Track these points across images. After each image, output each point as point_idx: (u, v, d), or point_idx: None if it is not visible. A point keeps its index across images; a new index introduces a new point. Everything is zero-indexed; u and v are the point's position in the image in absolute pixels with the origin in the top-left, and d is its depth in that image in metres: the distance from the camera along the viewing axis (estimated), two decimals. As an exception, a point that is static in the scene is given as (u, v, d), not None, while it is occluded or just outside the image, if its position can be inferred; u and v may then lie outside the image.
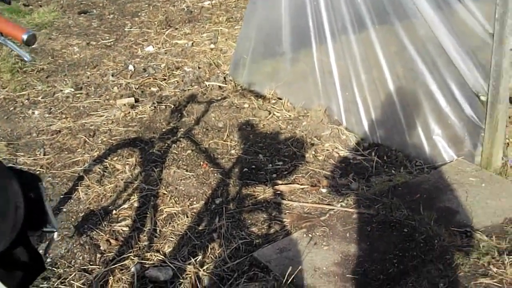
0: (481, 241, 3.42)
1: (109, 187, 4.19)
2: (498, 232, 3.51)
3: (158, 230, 3.73)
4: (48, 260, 3.43)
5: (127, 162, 4.51)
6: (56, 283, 3.28)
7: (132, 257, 3.47)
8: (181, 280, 3.27)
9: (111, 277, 3.31)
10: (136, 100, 5.66)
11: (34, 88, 5.99)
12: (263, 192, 4.09)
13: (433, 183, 4.05)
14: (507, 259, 3.22)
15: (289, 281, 3.13)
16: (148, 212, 3.90)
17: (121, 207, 3.98)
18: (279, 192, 4.10)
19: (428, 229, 3.51)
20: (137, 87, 5.99)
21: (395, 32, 4.48)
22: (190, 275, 3.29)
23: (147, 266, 3.41)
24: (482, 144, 4.25)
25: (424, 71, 4.38)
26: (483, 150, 4.26)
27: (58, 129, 5.09)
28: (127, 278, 3.31)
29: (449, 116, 4.36)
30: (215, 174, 4.35)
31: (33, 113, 5.45)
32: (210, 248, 3.51)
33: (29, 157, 4.62)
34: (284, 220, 3.78)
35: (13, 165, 4.35)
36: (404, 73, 4.57)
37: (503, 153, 4.33)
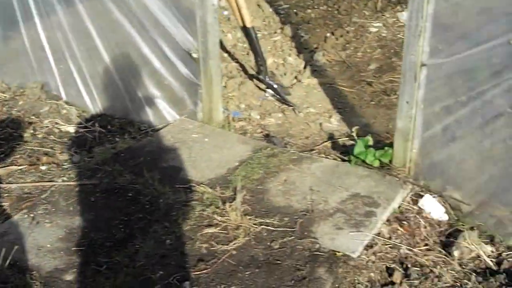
0: (205, 194, 3.46)
1: None
2: (222, 182, 3.58)
3: None
4: None
5: None
6: None
7: None
8: None
9: None
10: None
11: None
12: (-23, 180, 3.81)
13: (157, 145, 4.03)
14: (229, 207, 3.28)
15: (12, 264, 2.94)
16: None
17: None
18: (-4, 176, 3.85)
19: (152, 190, 3.48)
20: None
21: (102, 2, 4.36)
22: None
23: None
24: (201, 100, 4.30)
25: (135, 36, 4.32)
26: (203, 106, 4.31)
27: None
28: None
29: (165, 78, 4.36)
30: None
31: None
32: None
33: None
34: (3, 204, 3.54)
35: None
36: (116, 41, 4.48)
37: (224, 106, 4.44)
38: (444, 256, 3.17)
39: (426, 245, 3.23)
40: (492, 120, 3.21)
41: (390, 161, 3.68)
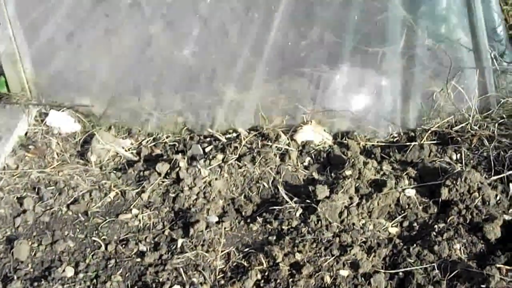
0: None
1: None
2: None
3: None
4: None
5: None
6: None
7: None
8: None
9: None
10: None
11: None
12: None
13: None
14: None
15: None
16: None
17: None
18: None
19: None
20: None
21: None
22: None
23: None
24: None
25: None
26: None
27: None
28: None
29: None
30: None
31: None
32: None
33: None
34: None
35: None
36: None
37: None
38: (82, 166, 3.02)
39: (61, 161, 3.05)
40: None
41: (9, 90, 3.38)
